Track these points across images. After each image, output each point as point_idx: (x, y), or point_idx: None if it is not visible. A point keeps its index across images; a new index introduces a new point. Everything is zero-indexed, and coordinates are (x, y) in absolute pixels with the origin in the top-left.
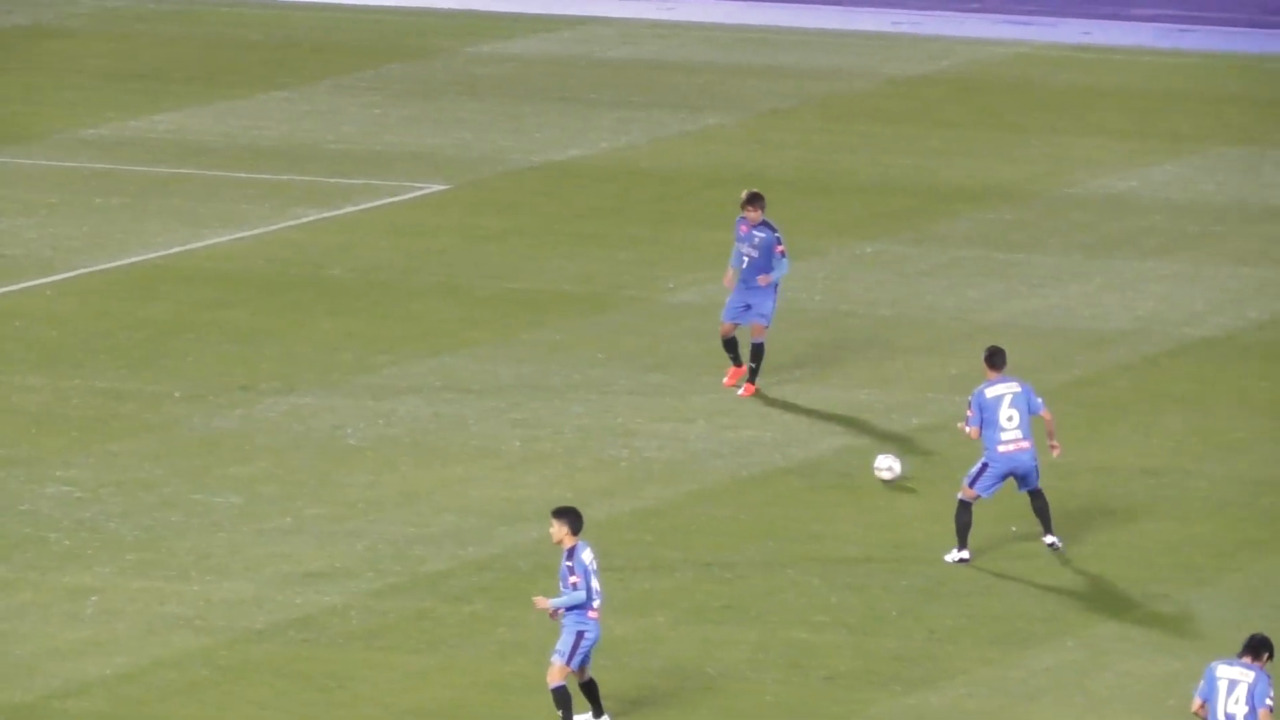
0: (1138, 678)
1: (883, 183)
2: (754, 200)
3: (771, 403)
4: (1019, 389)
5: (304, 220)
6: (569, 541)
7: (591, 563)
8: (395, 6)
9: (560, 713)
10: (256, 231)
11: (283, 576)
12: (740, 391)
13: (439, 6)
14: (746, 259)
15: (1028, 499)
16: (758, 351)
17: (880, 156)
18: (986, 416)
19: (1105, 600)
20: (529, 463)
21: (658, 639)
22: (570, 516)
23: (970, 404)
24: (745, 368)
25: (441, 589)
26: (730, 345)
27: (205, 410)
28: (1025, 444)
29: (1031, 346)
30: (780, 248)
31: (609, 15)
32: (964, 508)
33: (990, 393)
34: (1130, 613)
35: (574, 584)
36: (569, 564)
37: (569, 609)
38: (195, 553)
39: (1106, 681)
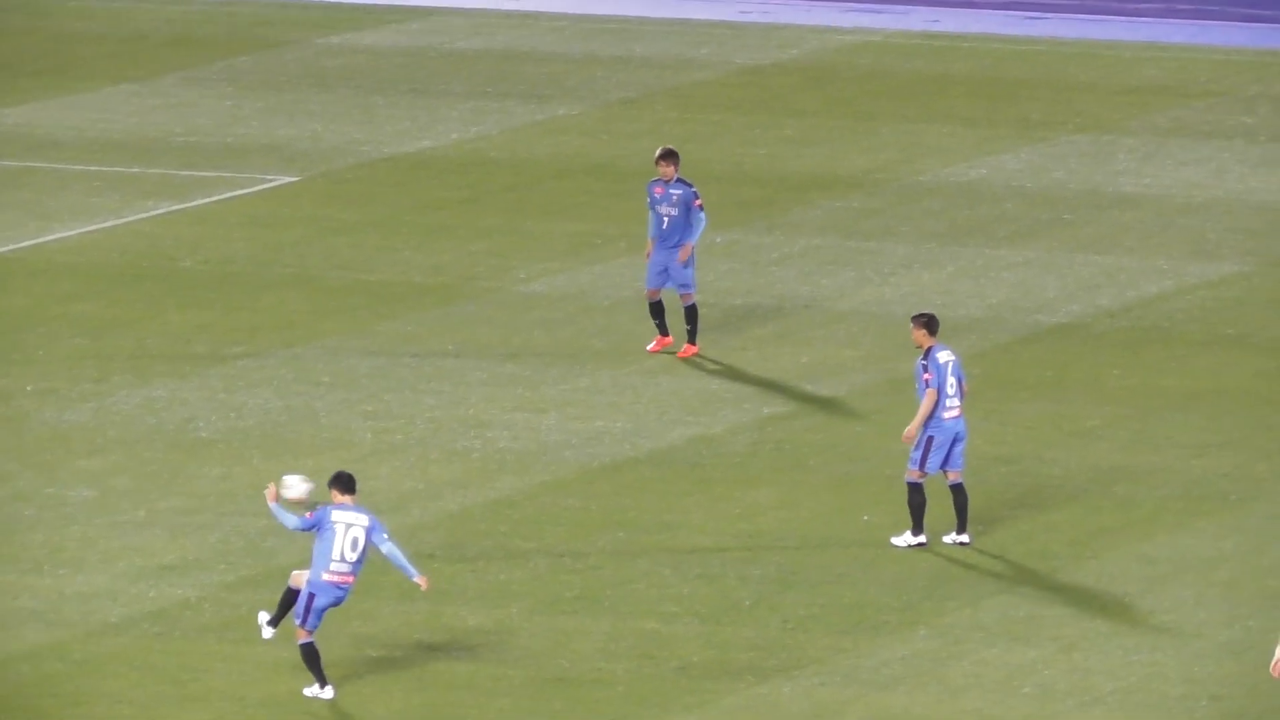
0: (993, 666)
1: (735, 172)
2: (668, 156)
3: (621, 392)
4: (955, 357)
5: (155, 213)
6: (337, 501)
7: (349, 528)
8: None
9: (309, 668)
10: (107, 224)
11: (136, 569)
12: (680, 352)
13: None
14: (666, 219)
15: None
16: (691, 314)
17: (732, 146)
18: (936, 383)
19: (959, 589)
20: (381, 454)
21: (512, 630)
22: (338, 482)
23: (927, 367)
24: (670, 338)
25: None
26: (657, 310)
27: (57, 403)
28: (960, 410)
29: (884, 334)
30: (698, 201)
31: (460, 6)
32: (916, 489)
33: (941, 357)
34: (984, 601)
35: (305, 516)
36: (319, 506)
37: (314, 569)
38: (48, 546)
39: (961, 670)
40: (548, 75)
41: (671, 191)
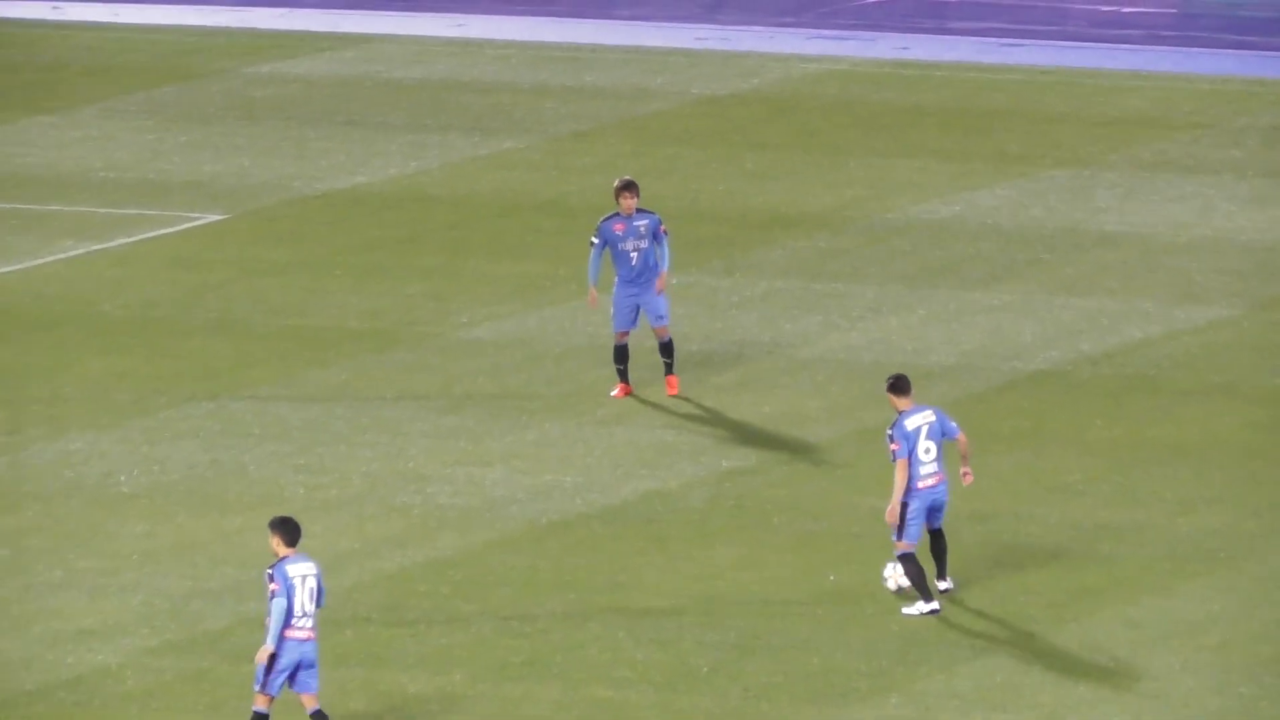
0: None
1: (692, 210)
2: (630, 187)
3: (571, 445)
4: (934, 417)
5: (73, 253)
6: (281, 553)
7: (305, 579)
8: (169, 26)
9: None
10: (21, 266)
11: (53, 634)
12: (668, 390)
13: (216, 25)
14: (635, 254)
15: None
16: (668, 348)
17: (688, 182)
18: (904, 452)
19: (933, 654)
20: (314, 512)
21: (455, 698)
22: (282, 527)
23: (893, 436)
24: (631, 387)
25: (221, 647)
26: (622, 355)
27: None
28: (941, 476)
29: (850, 383)
30: (664, 226)
31: (397, 33)
32: (908, 560)
33: (910, 423)
34: (959, 667)
35: (272, 591)
36: (269, 572)
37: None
38: None
39: None
40: (492, 106)
41: (636, 224)
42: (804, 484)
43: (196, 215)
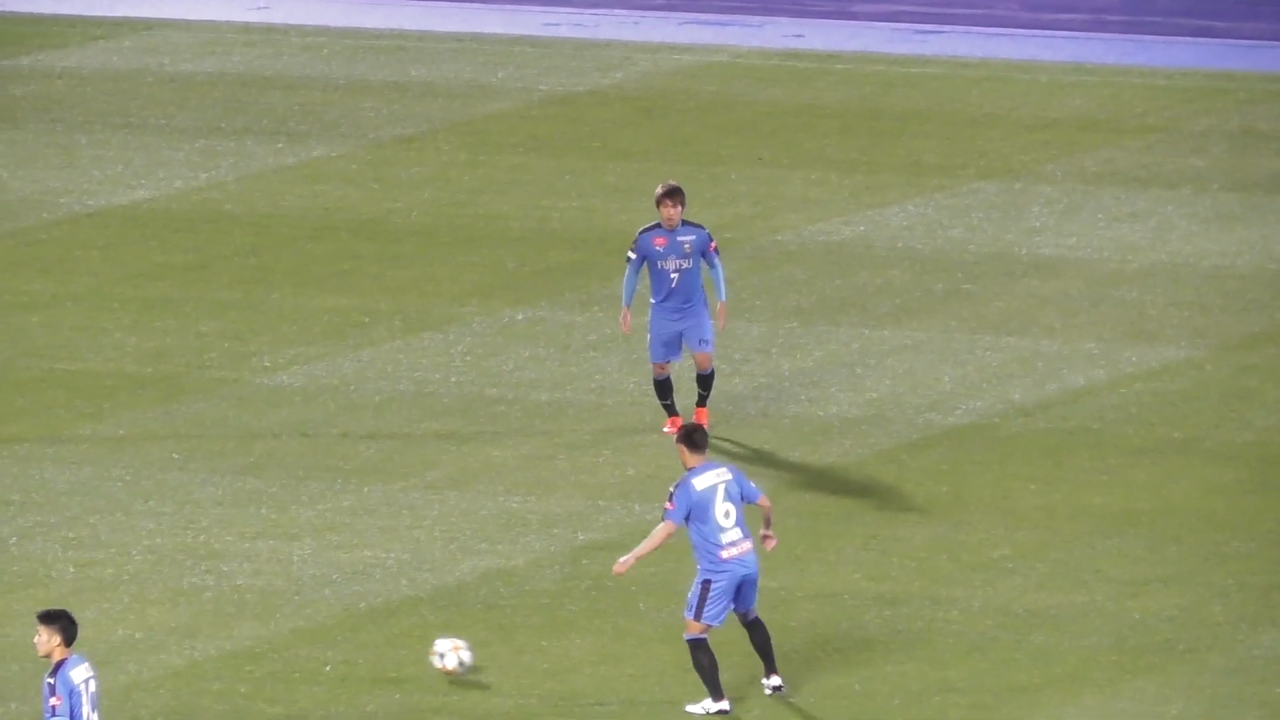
0: None
1: (540, 231)
2: (674, 195)
3: (397, 514)
4: (730, 476)
5: None
6: (59, 655)
7: (87, 685)
8: None
9: None
10: None
11: None
12: (696, 419)
13: None
14: (676, 275)
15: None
16: (707, 380)
17: (536, 198)
18: (697, 514)
19: None
20: (86, 594)
21: None
22: (62, 622)
23: (672, 497)
24: (680, 418)
25: None
26: (666, 389)
27: None
28: (748, 545)
29: (734, 438)
30: (714, 244)
31: (186, 18)
32: (699, 647)
33: (700, 482)
34: None
35: (54, 706)
36: (50, 681)
37: None
38: None
39: None
40: (300, 107)
41: (681, 239)
42: (675, 562)
43: None
